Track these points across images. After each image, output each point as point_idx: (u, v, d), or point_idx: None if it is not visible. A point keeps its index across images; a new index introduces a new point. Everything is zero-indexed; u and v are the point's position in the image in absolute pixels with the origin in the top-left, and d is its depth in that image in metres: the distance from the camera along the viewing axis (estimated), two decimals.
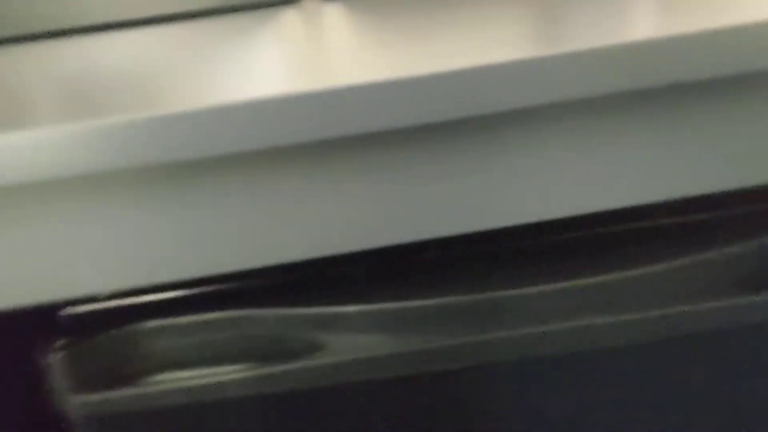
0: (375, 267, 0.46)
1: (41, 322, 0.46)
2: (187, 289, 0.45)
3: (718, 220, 0.48)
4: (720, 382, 0.49)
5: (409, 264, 0.46)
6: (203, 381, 0.45)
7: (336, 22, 0.50)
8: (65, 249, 0.43)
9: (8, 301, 0.43)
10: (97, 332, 0.45)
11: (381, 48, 0.44)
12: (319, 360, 0.45)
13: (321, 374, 0.45)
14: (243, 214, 0.43)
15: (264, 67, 0.43)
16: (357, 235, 0.44)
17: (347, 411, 0.46)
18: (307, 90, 0.39)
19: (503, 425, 0.48)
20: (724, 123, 0.45)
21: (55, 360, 0.45)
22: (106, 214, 0.42)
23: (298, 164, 0.43)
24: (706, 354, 0.48)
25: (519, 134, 0.43)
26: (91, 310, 0.45)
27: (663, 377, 0.49)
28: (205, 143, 0.39)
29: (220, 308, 0.45)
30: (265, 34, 0.49)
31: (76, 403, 0.45)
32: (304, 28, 0.49)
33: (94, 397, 0.45)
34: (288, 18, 0.52)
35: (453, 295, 0.45)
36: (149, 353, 0.45)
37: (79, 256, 0.43)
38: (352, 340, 0.45)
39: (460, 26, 0.45)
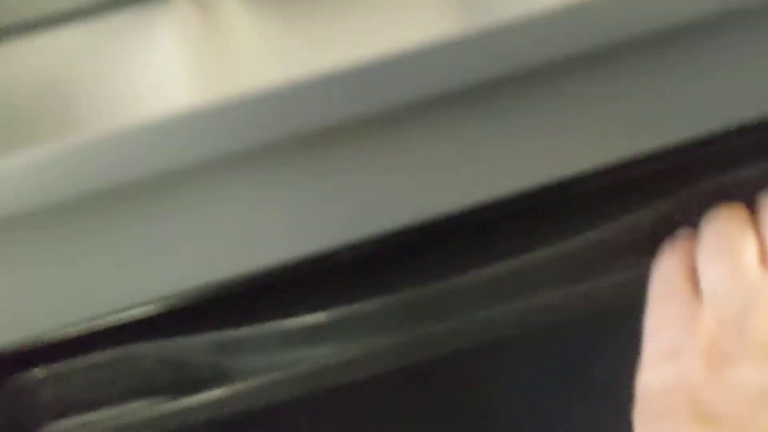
0: (273, 281, 0.43)
1: None
2: (76, 329, 0.42)
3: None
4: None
5: (312, 273, 0.43)
6: (105, 424, 0.42)
7: (236, 11, 0.47)
8: None
9: None
10: None
11: (297, 37, 0.42)
12: (230, 387, 0.42)
13: (232, 401, 0.43)
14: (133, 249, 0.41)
15: (180, 70, 0.41)
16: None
17: None
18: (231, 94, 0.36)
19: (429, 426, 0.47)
20: (637, 86, 0.42)
21: None
22: None
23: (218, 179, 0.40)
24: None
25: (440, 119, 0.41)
26: None
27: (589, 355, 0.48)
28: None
29: (115, 344, 0.43)
30: (167, 33, 0.46)
31: None
32: (205, 20, 0.46)
33: None
34: (184, 9, 0.48)
35: (365, 300, 0.42)
36: (44, 401, 0.43)
37: None
38: (259, 361, 0.42)
39: (366, 10, 0.42)
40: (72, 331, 0.42)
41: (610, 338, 0.48)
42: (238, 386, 0.42)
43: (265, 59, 0.41)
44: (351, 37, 0.40)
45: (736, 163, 0.46)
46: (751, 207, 0.44)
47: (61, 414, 0.43)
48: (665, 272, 0.41)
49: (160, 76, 0.41)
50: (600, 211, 0.45)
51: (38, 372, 0.42)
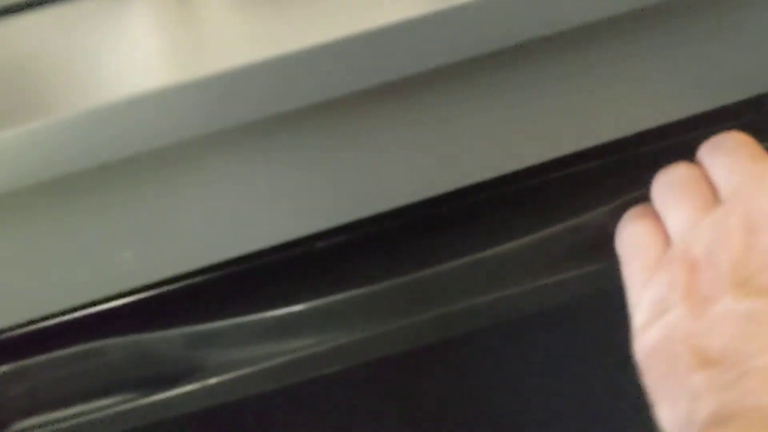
0: (251, 269, 0.42)
1: None
2: (44, 323, 0.41)
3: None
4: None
5: (292, 260, 0.42)
6: (72, 422, 0.41)
7: None
8: None
9: None
10: None
11: (272, 17, 0.41)
12: (203, 382, 0.41)
13: (206, 396, 0.41)
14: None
15: (154, 51, 0.41)
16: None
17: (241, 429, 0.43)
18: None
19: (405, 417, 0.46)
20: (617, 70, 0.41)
21: None
22: None
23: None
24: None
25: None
26: None
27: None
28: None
29: (84, 339, 0.41)
30: (142, 14, 0.45)
31: None
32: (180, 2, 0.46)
33: None
34: None
35: (344, 290, 0.41)
36: (12, 398, 0.41)
37: None
38: (233, 355, 0.41)
39: None
40: (40, 325, 0.41)
41: (599, 325, 0.48)
42: (212, 381, 0.41)
43: (240, 39, 0.40)
44: (328, 17, 0.39)
45: None
46: None
47: (30, 411, 0.41)
48: (630, 236, 0.41)
49: (134, 57, 0.40)
50: (589, 196, 0.45)
51: (5, 368, 0.41)
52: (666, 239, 0.40)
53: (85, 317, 0.41)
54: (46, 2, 0.49)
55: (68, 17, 0.46)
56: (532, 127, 0.41)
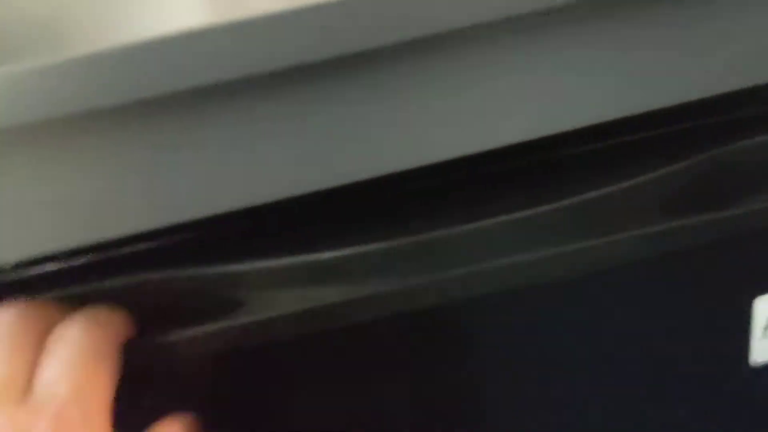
0: (288, 217, 0.43)
1: None
2: (81, 257, 0.42)
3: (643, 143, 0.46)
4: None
5: (321, 211, 0.43)
6: None
7: None
8: None
9: None
10: None
11: None
12: (231, 322, 0.41)
13: (233, 336, 0.42)
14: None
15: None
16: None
17: (277, 369, 0.44)
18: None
19: (436, 375, 0.47)
20: (642, 41, 0.42)
21: None
22: None
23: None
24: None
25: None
26: None
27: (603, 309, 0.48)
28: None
29: (120, 273, 0.42)
30: None
31: None
32: None
33: None
34: None
35: (377, 240, 0.42)
36: None
37: None
38: (272, 295, 0.42)
39: None
40: (78, 258, 0.42)
41: (610, 300, 0.48)
42: (244, 320, 0.42)
43: None
44: None
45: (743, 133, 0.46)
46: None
47: None
48: None
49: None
50: (607, 171, 0.45)
51: (46, 298, 0.41)
52: None
53: (123, 253, 0.42)
54: None
55: None
56: (564, 93, 0.42)
